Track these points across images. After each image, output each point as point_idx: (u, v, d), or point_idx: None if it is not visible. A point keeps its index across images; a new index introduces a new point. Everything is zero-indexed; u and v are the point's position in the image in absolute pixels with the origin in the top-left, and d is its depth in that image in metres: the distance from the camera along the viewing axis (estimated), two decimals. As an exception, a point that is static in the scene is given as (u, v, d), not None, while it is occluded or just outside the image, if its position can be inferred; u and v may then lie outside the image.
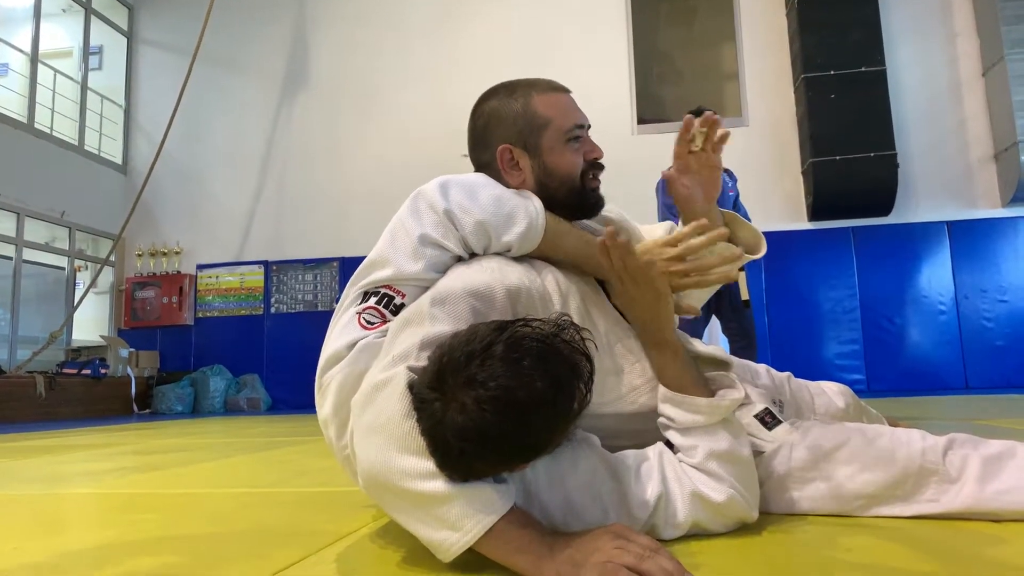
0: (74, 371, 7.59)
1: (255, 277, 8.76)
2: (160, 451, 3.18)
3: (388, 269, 1.15)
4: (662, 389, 1.13)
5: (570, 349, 0.88)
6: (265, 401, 8.23)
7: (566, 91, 1.30)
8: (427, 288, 1.13)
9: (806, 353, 7.42)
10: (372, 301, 1.16)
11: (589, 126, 1.30)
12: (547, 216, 1.19)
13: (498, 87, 1.30)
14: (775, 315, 7.55)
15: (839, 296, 7.63)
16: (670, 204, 4.55)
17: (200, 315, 8.84)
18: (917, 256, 7.58)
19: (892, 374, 7.37)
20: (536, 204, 1.19)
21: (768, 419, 1.26)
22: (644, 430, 1.20)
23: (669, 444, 1.14)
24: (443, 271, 1.15)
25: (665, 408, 1.12)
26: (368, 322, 1.14)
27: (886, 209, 7.53)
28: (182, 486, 2.04)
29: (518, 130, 1.24)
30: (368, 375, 1.02)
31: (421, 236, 1.15)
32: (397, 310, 1.14)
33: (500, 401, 0.84)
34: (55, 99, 8.53)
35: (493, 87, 1.31)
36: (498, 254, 1.17)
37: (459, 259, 1.17)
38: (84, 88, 8.97)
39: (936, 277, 7.52)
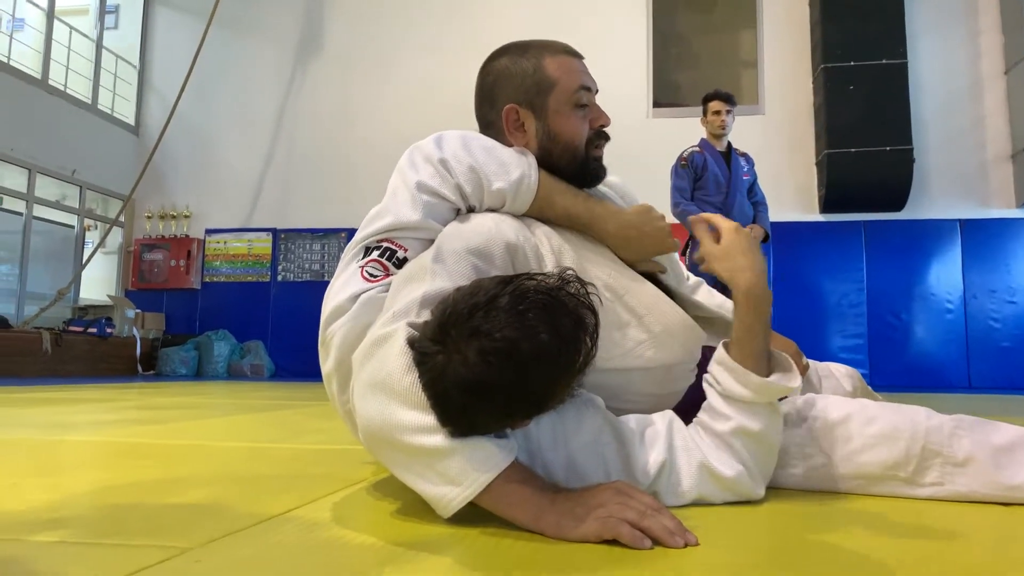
0: (80, 329, 7.63)
1: (263, 244, 8.77)
2: (163, 407, 3.20)
3: (388, 218, 1.15)
4: (720, 351, 1.11)
5: (575, 302, 0.87)
6: (268, 368, 8.26)
7: (579, 56, 1.27)
8: (428, 242, 1.12)
9: (810, 344, 7.37)
10: (374, 255, 1.14)
11: (597, 91, 1.27)
12: (542, 173, 1.18)
13: (510, 45, 1.28)
14: (781, 304, 7.49)
15: (846, 290, 7.60)
16: (682, 187, 4.52)
17: (207, 279, 8.85)
18: (927, 253, 7.53)
19: (896, 369, 7.34)
20: (530, 159, 1.18)
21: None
22: (651, 394, 1.19)
23: (677, 411, 1.13)
24: (443, 221, 1.14)
25: (716, 369, 1.10)
26: (371, 275, 1.13)
27: (899, 204, 7.46)
28: (183, 438, 2.05)
29: (525, 90, 1.22)
30: (369, 331, 1.02)
31: (418, 183, 1.15)
32: (400, 263, 1.13)
33: (504, 353, 0.83)
34: (70, 56, 8.50)
35: (505, 45, 1.29)
36: (493, 210, 1.16)
37: (457, 212, 1.16)
38: (99, 47, 8.93)
39: (945, 275, 7.48)
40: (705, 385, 1.12)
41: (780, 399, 1.23)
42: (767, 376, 1.06)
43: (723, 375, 1.08)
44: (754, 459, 1.06)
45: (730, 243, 1.14)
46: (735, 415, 1.05)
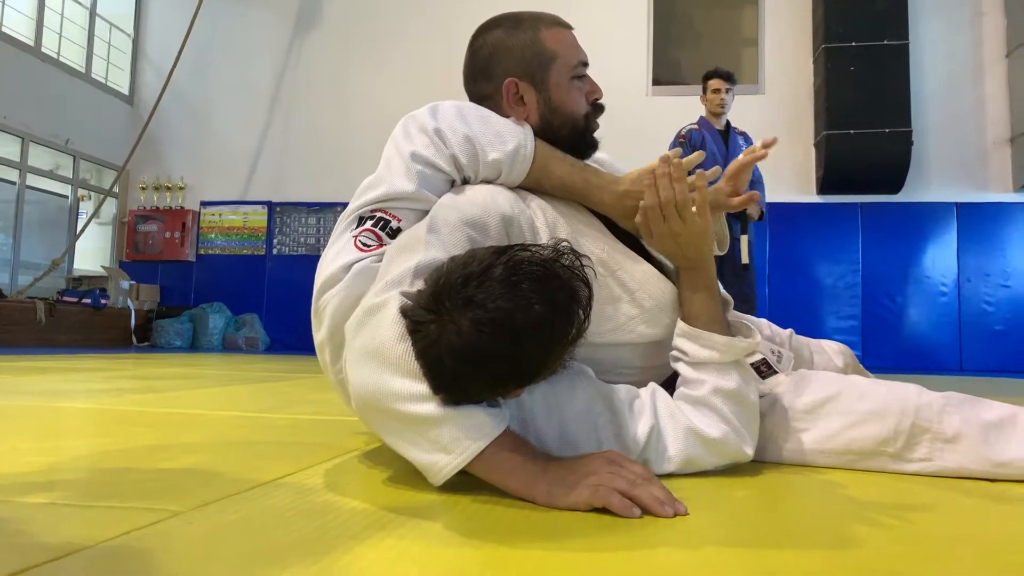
0: (74, 300, 7.61)
1: (258, 217, 8.72)
2: (158, 377, 3.20)
3: (381, 188, 1.15)
4: (680, 323, 1.13)
5: (569, 274, 0.87)
6: (263, 341, 8.26)
7: (570, 27, 1.29)
8: (422, 213, 1.12)
9: (804, 325, 7.35)
10: (368, 225, 1.15)
11: (588, 64, 1.28)
12: (539, 142, 1.17)
13: (501, 18, 1.27)
14: (776, 285, 7.54)
15: (842, 271, 7.61)
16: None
17: (202, 252, 8.81)
18: (923, 236, 7.53)
19: (888, 352, 7.38)
20: (527, 129, 1.18)
21: (764, 368, 1.26)
22: (641, 367, 1.20)
23: (666, 385, 1.14)
24: (437, 192, 1.14)
25: (680, 342, 1.12)
26: (364, 245, 1.13)
27: (896, 187, 7.45)
28: (178, 407, 2.05)
29: (525, 63, 1.22)
30: (362, 300, 1.02)
31: (412, 154, 1.14)
32: (394, 233, 1.13)
33: (497, 323, 0.83)
34: (63, 24, 8.38)
35: (495, 17, 1.28)
36: (488, 182, 1.15)
37: (452, 183, 1.16)
38: (93, 14, 8.80)
39: (940, 258, 7.49)
40: (673, 362, 1.14)
41: (764, 376, 1.24)
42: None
43: (687, 344, 1.11)
44: (737, 418, 1.07)
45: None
46: (709, 377, 1.08)
